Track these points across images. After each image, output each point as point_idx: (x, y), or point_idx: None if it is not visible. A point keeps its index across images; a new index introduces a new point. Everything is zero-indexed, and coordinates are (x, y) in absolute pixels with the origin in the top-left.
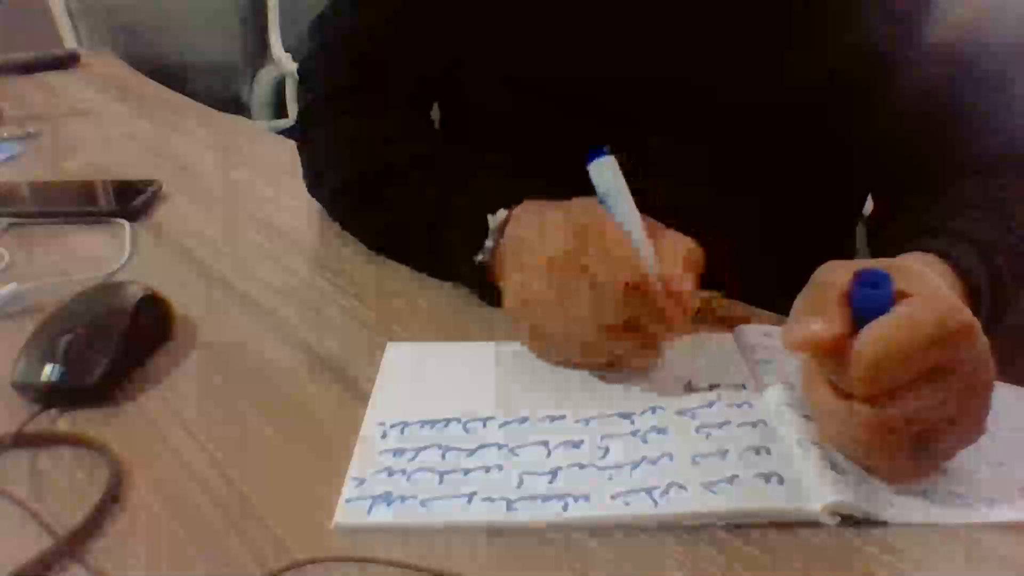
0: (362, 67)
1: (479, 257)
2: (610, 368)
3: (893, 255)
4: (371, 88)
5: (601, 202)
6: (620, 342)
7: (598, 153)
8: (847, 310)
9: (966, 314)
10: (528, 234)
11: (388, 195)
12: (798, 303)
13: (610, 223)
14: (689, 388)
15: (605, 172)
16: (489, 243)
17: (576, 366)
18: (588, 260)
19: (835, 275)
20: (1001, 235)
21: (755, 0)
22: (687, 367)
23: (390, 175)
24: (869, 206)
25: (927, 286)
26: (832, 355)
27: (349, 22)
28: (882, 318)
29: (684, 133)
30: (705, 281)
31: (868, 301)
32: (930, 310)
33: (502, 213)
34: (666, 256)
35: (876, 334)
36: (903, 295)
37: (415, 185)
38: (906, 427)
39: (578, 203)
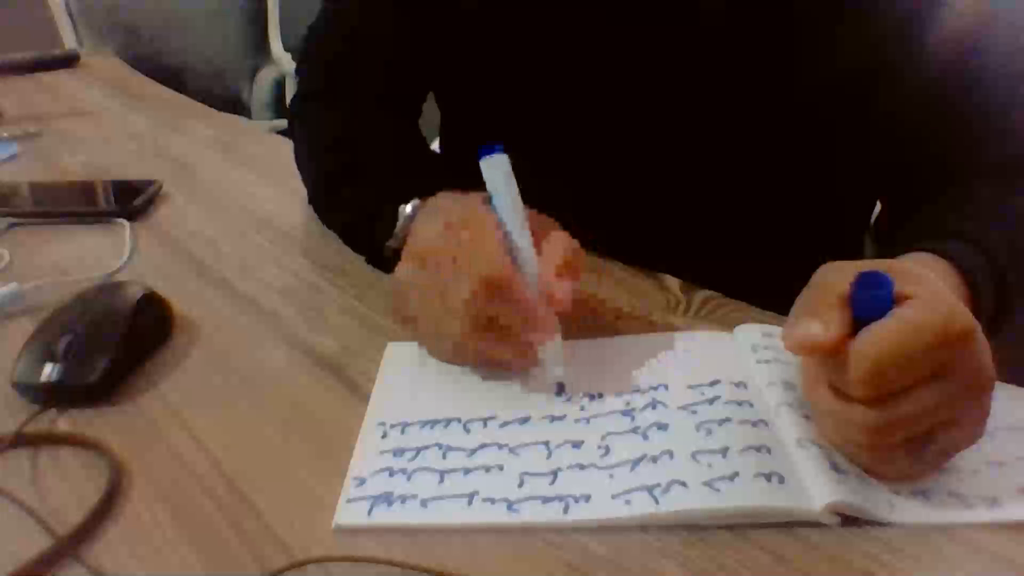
0: (335, 71)
1: (389, 246)
2: (489, 366)
3: (897, 256)
4: (342, 91)
5: (490, 198)
6: (482, 341)
7: (490, 150)
8: (847, 312)
9: (966, 317)
10: (419, 227)
11: (343, 194)
12: (798, 304)
13: (490, 219)
14: (561, 391)
15: (494, 169)
16: (396, 234)
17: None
18: (457, 255)
19: (835, 276)
20: (1006, 235)
21: (762, 8)
22: (686, 366)
23: (344, 175)
24: (875, 209)
25: (928, 288)
26: (832, 357)
27: (327, 28)
28: (881, 321)
29: (692, 140)
30: (707, 280)
31: (868, 303)
32: (930, 313)
33: (411, 205)
34: (546, 256)
35: (875, 337)
36: (903, 297)
37: (363, 183)
38: (905, 429)
39: (469, 198)
